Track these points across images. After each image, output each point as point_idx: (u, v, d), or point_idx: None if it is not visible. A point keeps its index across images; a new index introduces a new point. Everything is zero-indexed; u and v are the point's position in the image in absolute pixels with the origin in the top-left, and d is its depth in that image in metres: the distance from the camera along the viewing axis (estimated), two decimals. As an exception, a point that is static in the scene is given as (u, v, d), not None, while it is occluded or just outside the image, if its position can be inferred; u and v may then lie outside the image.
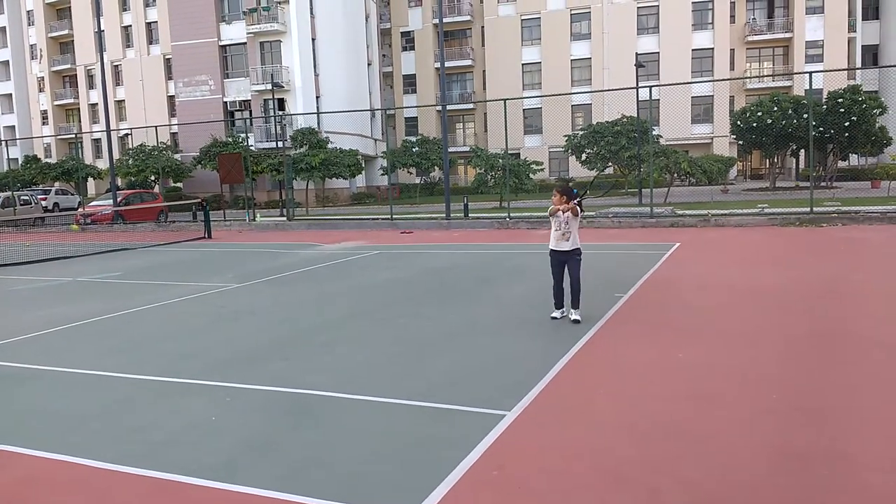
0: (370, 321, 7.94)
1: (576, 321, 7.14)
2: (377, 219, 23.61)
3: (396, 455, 4.05)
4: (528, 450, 4.08)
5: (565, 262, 7.27)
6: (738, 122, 34.45)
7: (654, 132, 27.53)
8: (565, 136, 36.65)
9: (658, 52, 48.37)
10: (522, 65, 51.88)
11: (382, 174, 41.54)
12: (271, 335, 7.40)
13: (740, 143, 37.27)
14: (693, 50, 48.32)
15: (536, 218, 20.35)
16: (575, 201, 7.09)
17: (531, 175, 30.27)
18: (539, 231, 18.51)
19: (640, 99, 27.25)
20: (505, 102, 21.14)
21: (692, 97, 46.24)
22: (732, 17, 49.30)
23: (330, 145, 36.73)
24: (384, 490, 3.61)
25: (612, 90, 27.71)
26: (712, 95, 47.38)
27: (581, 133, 35.14)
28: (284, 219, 25.69)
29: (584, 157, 34.76)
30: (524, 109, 49.47)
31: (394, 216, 22.89)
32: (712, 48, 48.23)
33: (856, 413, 4.48)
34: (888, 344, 6.04)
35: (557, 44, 50.69)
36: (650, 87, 22.59)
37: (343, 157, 35.65)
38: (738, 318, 7.36)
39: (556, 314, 7.40)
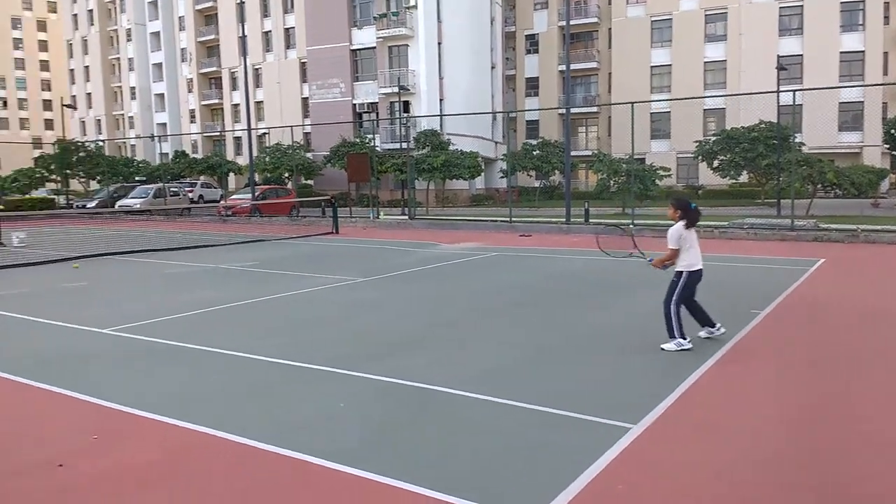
0: (492, 322, 7.95)
1: (665, 349, 6.39)
2: (496, 221, 23.65)
3: (517, 458, 4.02)
4: (656, 466, 3.92)
5: None
6: (893, 131, 31.46)
7: (795, 139, 25.72)
8: (696, 141, 35.03)
9: (801, 55, 45.19)
10: (651, 67, 50.19)
11: (502, 177, 41.58)
12: (395, 330, 7.58)
13: (894, 153, 34.01)
14: (841, 52, 44.73)
15: (662, 226, 19.57)
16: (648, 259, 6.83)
17: (657, 181, 29.21)
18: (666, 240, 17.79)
19: (780, 104, 25.54)
20: (633, 106, 20.53)
21: (839, 103, 42.76)
22: (886, 17, 45.15)
23: (451, 147, 37.25)
24: (505, 491, 3.59)
25: (751, 94, 26.16)
26: (863, 101, 43.60)
27: (714, 138, 33.46)
28: (406, 217, 26.32)
29: (716, 163, 33.06)
30: (651, 113, 47.81)
31: (513, 219, 22.84)
32: (863, 51, 44.43)
33: None
34: None
35: (690, 45, 48.59)
36: (794, 90, 21.06)
37: (463, 158, 36.02)
38: (889, 345, 6.71)
39: (702, 333, 6.78)
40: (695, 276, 6.49)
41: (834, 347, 6.62)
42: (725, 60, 47.92)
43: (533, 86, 56.47)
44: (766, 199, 33.87)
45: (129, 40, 71.01)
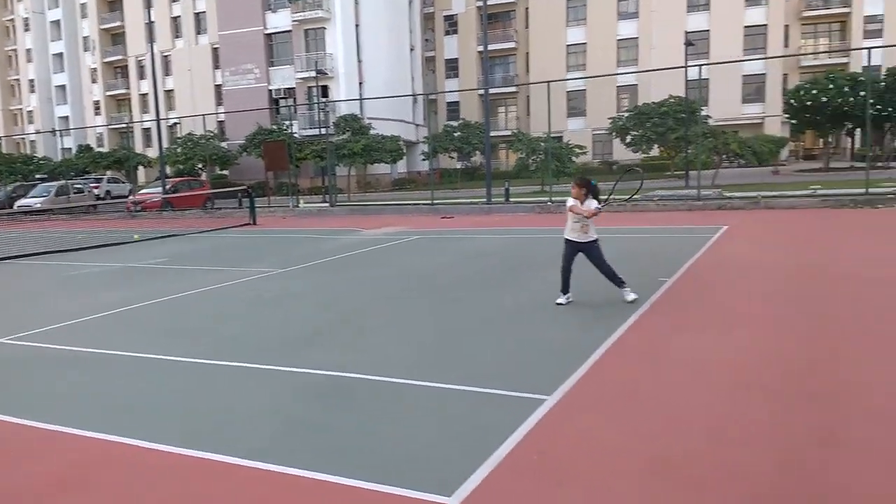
0: (411, 306, 7.96)
1: (633, 300, 7.19)
2: (418, 204, 23.66)
3: (435, 438, 4.05)
4: (570, 436, 4.03)
5: (580, 251, 7.37)
6: (792, 101, 33.33)
7: (702, 113, 26.84)
8: (610, 118, 36.00)
9: (708, 30, 47.02)
10: (567, 46, 51.11)
11: (423, 159, 41.51)
12: (314, 319, 7.49)
13: (793, 122, 36.05)
14: (745, 27, 46.81)
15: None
16: (596, 206, 7.16)
17: (574, 158, 29.87)
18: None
19: (688, 79, 26.55)
20: (549, 85, 20.86)
21: (743, 76, 44.87)
22: (787, -9, 47.58)
23: (372, 131, 36.91)
24: (424, 472, 3.61)
25: (660, 70, 27.03)
26: (765, 74, 45.89)
27: (626, 115, 34.47)
28: (327, 205, 25.96)
29: (629, 139, 34.10)
30: (568, 92, 48.75)
31: (435, 201, 22.89)
32: (766, 25, 46.63)
33: (913, 402, 4.29)
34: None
35: (603, 24, 49.73)
36: (699, 65, 21.93)
37: (385, 142, 35.77)
38: (789, 303, 7.13)
39: (562, 300, 7.41)
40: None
41: (738, 307, 6.96)
42: (637, 38, 49.29)
43: (452, 67, 56.49)
44: (675, 171, 35.21)
45: (26, 30, 66.71)
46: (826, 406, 4.29)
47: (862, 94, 28.41)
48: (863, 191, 17.16)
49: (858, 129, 35.39)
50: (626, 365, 5.35)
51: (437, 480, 3.50)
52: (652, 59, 47.41)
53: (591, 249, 7.32)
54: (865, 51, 19.37)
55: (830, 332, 5.96)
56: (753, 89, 46.79)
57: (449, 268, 10.70)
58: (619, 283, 7.32)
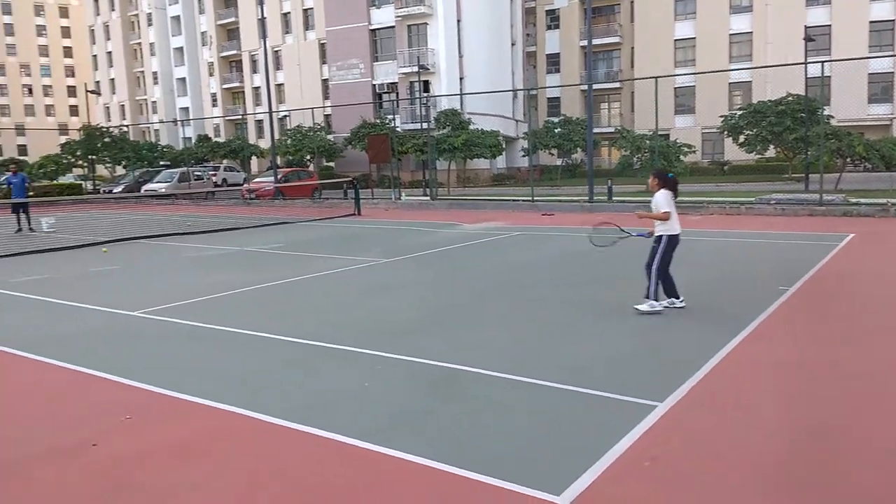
0: (514, 301, 7.94)
1: (640, 311, 6.82)
2: (517, 200, 23.54)
3: (545, 436, 4.03)
4: (682, 444, 3.91)
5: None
6: (926, 101, 30.62)
7: (824, 112, 25.15)
8: (721, 116, 34.40)
9: (829, 25, 44.00)
10: (675, 41, 49.22)
11: (523, 155, 41.31)
12: (418, 310, 7.62)
13: (927, 124, 33.14)
14: (871, 22, 43.45)
15: (688, 202, 19.33)
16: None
17: (682, 157, 28.79)
18: (691, 216, 17.59)
19: (808, 76, 24.97)
20: (656, 80, 20.19)
21: (869, 74, 41.64)
22: (919, -16, 43.76)
23: (472, 126, 37.04)
24: (531, 469, 3.61)
25: (777, 66, 25.57)
26: (893, 72, 42.39)
27: (740, 113, 32.84)
28: (428, 198, 26.30)
29: (742, 138, 32.47)
30: (675, 88, 46.96)
31: (534, 198, 22.70)
32: (893, 20, 43.08)
33: None
34: None
35: (715, 17, 47.54)
36: (822, 62, 20.51)
37: (484, 137, 35.80)
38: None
39: (665, 302, 7.02)
40: (675, 240, 6.87)
41: (863, 321, 6.51)
42: (751, 32, 46.83)
43: (554, 62, 55.76)
44: (793, 174, 33.26)
45: (149, 24, 71.35)
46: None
47: None
48: None
49: None
50: (742, 374, 5.12)
51: (545, 478, 3.48)
52: (767, 54, 44.90)
53: (651, 246, 6.97)
54: None
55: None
56: (880, 89, 43.41)
57: (551, 265, 10.59)
58: (647, 294, 6.84)
